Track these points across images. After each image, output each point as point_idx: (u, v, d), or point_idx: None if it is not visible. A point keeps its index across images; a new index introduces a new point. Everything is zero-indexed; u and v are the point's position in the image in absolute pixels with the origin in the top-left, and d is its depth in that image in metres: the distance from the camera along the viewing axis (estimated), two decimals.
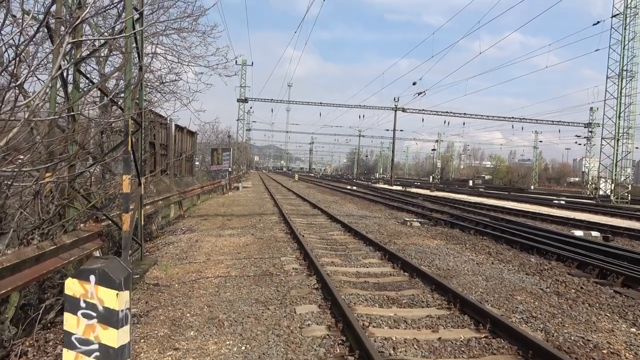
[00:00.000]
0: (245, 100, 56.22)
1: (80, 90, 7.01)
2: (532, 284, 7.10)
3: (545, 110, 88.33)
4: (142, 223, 7.71)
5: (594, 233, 14.24)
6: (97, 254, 7.46)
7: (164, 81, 12.77)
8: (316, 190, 34.42)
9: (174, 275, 7.05)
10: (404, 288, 6.52)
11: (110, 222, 7.59)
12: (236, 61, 55.05)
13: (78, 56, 6.84)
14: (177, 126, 22.13)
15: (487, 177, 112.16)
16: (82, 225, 6.52)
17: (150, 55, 12.77)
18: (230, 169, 35.04)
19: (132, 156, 6.98)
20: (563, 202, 31.28)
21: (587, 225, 16.11)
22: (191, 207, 18.96)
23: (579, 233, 14.00)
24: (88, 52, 7.32)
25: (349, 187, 42.72)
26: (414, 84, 34.53)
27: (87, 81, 7.65)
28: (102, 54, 9.97)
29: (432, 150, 57.25)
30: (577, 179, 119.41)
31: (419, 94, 35.30)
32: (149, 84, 13.05)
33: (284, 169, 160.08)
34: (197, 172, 49.38)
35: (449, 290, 6.05)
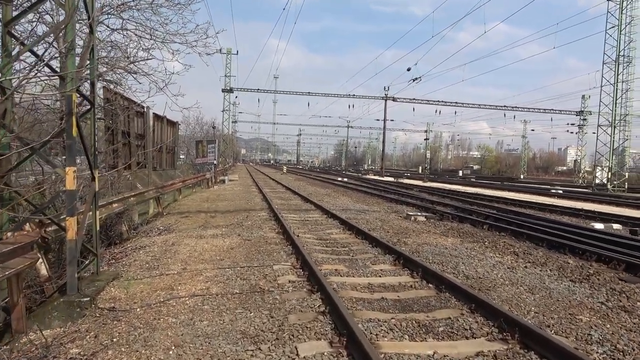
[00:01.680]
0: (231, 91, 54.25)
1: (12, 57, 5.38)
2: (586, 296, 5.72)
3: (533, 100, 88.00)
4: (98, 228, 6.10)
5: (615, 226, 13.00)
6: (42, 269, 5.92)
7: (134, 60, 11.08)
8: (306, 183, 32.89)
9: (137, 294, 5.50)
10: (435, 307, 5.07)
11: (58, 227, 6.00)
12: (220, 50, 53.00)
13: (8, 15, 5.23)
14: (155, 115, 20.37)
15: (475, 167, 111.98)
16: (9, 234, 4.94)
17: (119, 31, 11.11)
18: (215, 162, 33.28)
19: (79, 143, 5.40)
20: (561, 192, 30.37)
21: (601, 217, 14.89)
22: (172, 204, 17.32)
23: (599, 226, 12.74)
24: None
25: (339, 179, 41.29)
26: (408, 69, 33.03)
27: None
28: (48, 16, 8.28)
29: (424, 139, 56.02)
30: (564, 168, 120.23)
31: (414, 80, 33.80)
32: (117, 63, 11.36)
33: (272, 162, 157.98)
34: (182, 165, 47.61)
35: (496, 311, 4.61)
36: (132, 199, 10.81)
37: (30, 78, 4.70)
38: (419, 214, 13.47)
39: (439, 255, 7.84)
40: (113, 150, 13.83)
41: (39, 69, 4.76)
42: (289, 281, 5.97)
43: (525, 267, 7.29)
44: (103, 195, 9.96)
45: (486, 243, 9.35)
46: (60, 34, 5.44)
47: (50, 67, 5.18)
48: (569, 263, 7.61)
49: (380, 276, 6.42)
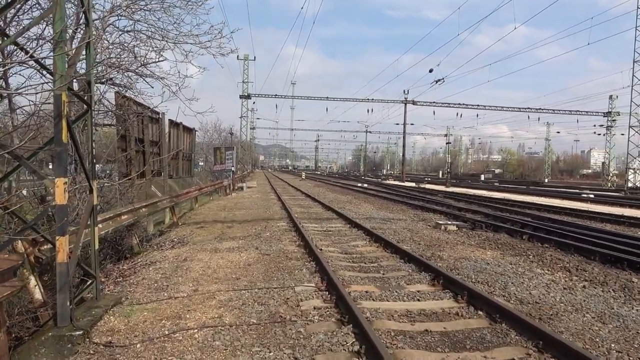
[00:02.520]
0: (248, 97, 53.95)
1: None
2: None
3: (555, 102, 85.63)
4: (97, 246, 5.39)
5: None
6: (37, 293, 5.24)
7: (145, 62, 10.49)
8: (326, 189, 32.10)
9: (139, 324, 4.76)
10: (492, 344, 4.19)
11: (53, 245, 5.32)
12: (237, 56, 52.72)
13: None
14: (171, 121, 19.90)
15: (496, 170, 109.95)
16: None
17: (131, 32, 10.56)
18: (233, 169, 32.74)
19: (71, 150, 4.73)
20: (592, 196, 28.95)
21: None
22: (188, 213, 16.72)
23: None
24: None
25: (359, 184, 40.38)
26: (430, 70, 31.88)
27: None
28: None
29: (446, 143, 54.79)
30: (589, 171, 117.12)
31: (437, 81, 32.58)
32: (127, 65, 10.77)
33: (290, 168, 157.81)
34: (200, 172, 47.36)
35: (571, 352, 3.72)
36: (143, 209, 10.17)
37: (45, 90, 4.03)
38: (449, 222, 12.53)
39: (482, 273, 6.93)
40: (126, 158, 13.28)
41: (23, 60, 4.08)
42: (314, 308, 5.16)
43: (584, 287, 6.33)
44: (112, 207, 9.34)
45: (530, 257, 8.39)
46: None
47: (38, 62, 4.50)
48: (633, 282, 6.62)
49: (418, 300, 5.56)
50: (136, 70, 10.65)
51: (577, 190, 40.06)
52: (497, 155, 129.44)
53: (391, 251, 8.54)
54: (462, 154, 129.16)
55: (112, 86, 10.56)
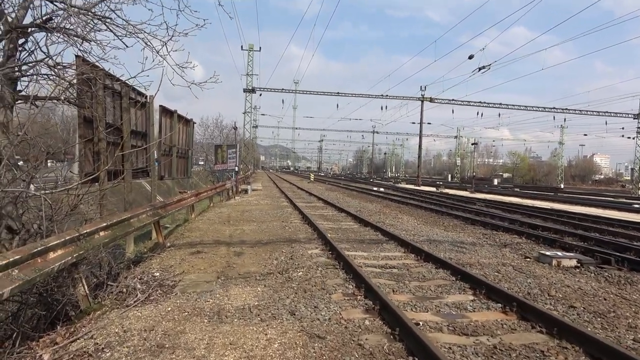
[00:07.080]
0: (253, 91, 49.98)
1: None
2: None
3: (562, 106, 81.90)
4: None
5: None
6: None
7: None
8: (341, 194, 28.13)
9: None
10: None
11: None
12: (242, 46, 49.01)
13: None
14: (163, 108, 15.98)
15: (505, 175, 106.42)
16: None
17: None
18: (236, 169, 28.78)
19: None
20: (637, 206, 25.41)
21: None
22: (181, 226, 12.81)
23: None
24: None
25: (374, 188, 36.49)
26: (470, 57, 27.14)
27: None
28: None
29: (472, 144, 50.93)
30: (602, 177, 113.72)
31: (480, 69, 28.04)
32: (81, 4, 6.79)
33: (292, 168, 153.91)
34: (200, 172, 43.35)
35: None
36: (102, 233, 6.21)
37: None
38: (559, 254, 8.59)
39: None
40: (91, 151, 9.31)
41: None
42: None
43: None
44: (37, 234, 5.38)
45: None
46: None
47: None
48: None
49: None
50: (94, 12, 6.70)
51: (611, 198, 36.23)
52: (502, 159, 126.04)
53: (549, 329, 4.56)
54: (469, 157, 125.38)
55: (57, 33, 6.62)
